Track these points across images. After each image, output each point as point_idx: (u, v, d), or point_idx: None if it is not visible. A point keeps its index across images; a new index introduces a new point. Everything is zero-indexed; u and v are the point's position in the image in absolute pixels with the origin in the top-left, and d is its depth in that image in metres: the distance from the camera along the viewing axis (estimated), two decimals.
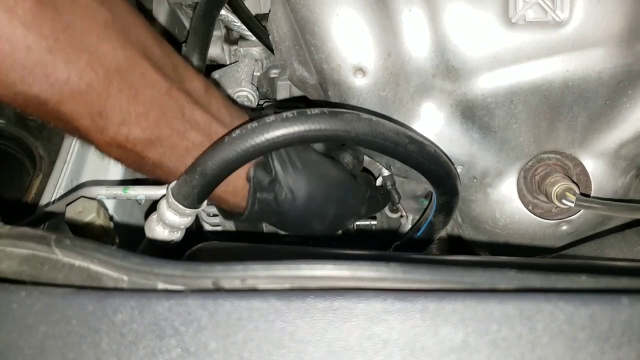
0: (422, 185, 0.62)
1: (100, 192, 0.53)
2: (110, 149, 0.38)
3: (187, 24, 0.82)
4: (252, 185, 0.44)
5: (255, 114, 0.46)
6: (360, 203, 0.53)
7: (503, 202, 0.56)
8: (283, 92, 0.66)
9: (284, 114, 0.39)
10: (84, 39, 0.33)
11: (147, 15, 0.78)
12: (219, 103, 0.43)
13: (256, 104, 0.64)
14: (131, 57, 0.35)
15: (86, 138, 0.37)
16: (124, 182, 0.63)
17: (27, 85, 0.32)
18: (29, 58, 0.31)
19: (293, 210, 0.46)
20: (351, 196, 0.51)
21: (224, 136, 0.39)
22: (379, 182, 0.62)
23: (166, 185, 0.42)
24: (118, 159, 0.39)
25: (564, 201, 0.50)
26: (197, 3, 0.65)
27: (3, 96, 0.33)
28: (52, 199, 0.57)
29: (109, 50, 0.34)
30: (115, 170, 0.64)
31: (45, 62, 0.31)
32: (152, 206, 0.68)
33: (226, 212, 0.49)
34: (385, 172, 0.61)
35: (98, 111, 0.35)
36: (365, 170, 0.63)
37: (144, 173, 0.42)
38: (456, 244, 0.66)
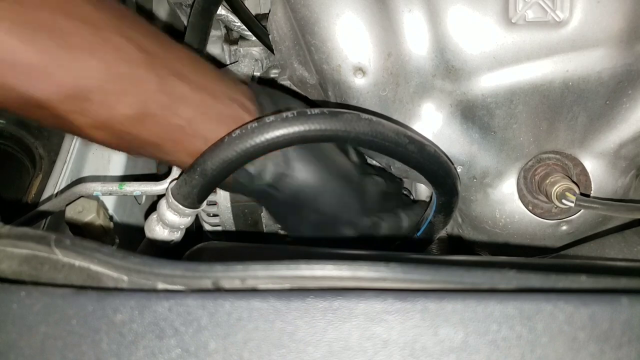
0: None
1: (97, 188, 0.53)
2: (95, 131, 0.36)
3: (187, 24, 0.82)
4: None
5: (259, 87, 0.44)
6: (361, 212, 0.48)
7: (503, 202, 0.56)
8: None
9: (284, 114, 0.39)
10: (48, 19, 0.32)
11: (147, 15, 0.78)
12: (208, 75, 0.41)
13: None
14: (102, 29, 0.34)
15: (66, 123, 0.36)
16: (123, 179, 0.63)
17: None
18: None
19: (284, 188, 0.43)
20: (353, 198, 0.47)
21: (224, 136, 0.39)
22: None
23: (164, 182, 0.42)
24: (105, 141, 0.38)
25: (564, 201, 0.50)
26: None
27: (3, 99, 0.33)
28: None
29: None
30: (116, 170, 0.64)
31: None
32: (152, 206, 0.68)
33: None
34: None
35: (72, 91, 0.34)
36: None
37: (141, 154, 0.40)
38: (456, 244, 0.66)
